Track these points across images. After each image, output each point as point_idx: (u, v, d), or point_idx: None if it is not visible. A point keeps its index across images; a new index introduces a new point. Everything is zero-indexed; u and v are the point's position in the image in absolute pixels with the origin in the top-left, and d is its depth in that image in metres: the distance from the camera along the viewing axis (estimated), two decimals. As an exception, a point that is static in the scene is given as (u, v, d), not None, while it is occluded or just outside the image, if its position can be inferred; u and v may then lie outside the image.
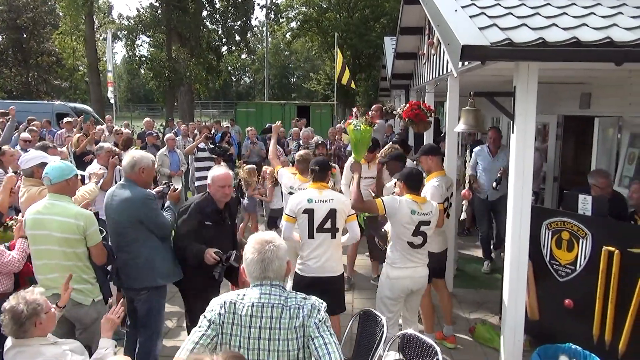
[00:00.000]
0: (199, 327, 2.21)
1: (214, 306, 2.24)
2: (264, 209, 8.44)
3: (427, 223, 4.03)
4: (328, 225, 4.06)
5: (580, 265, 4.08)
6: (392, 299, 4.09)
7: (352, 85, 18.09)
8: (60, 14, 28.01)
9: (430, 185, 4.69)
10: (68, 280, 3.13)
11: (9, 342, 2.65)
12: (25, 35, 35.79)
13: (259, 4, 31.33)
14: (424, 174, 4.75)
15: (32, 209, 3.53)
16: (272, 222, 7.91)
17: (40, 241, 3.42)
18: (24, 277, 3.80)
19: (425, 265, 4.18)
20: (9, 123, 8.46)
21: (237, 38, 30.81)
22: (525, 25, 3.35)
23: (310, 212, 4.06)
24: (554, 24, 3.35)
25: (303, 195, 4.20)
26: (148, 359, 3.93)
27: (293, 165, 5.55)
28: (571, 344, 3.63)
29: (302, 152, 5.47)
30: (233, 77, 56.14)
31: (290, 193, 4.88)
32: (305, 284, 4.12)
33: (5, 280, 3.66)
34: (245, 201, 8.18)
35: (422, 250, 4.12)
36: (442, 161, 5.30)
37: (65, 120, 10.98)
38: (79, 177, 3.72)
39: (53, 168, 3.54)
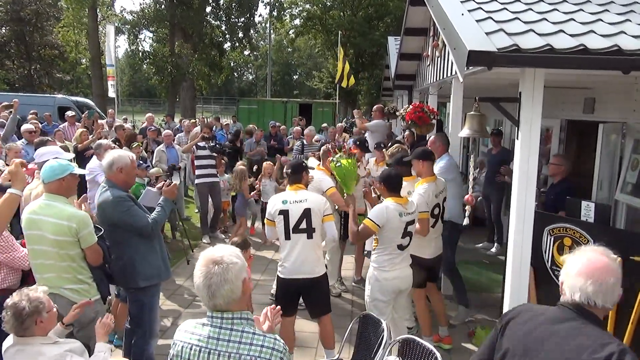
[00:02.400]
0: None
1: (172, 344, 2.08)
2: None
3: (412, 222, 4.20)
4: (304, 225, 4.09)
5: (581, 272, 4.06)
6: (384, 301, 4.13)
7: (352, 81, 17.90)
8: (64, 6, 27.92)
9: (417, 193, 4.69)
10: (83, 305, 3.12)
11: (9, 340, 2.65)
12: (28, 28, 35.69)
13: (262, 1, 31.25)
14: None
15: (28, 208, 3.51)
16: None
17: (35, 241, 3.40)
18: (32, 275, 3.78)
19: (408, 265, 4.30)
20: (11, 116, 8.45)
21: (240, 34, 30.78)
22: (533, 30, 3.32)
23: (285, 213, 4.12)
24: (561, 30, 3.33)
25: (279, 197, 4.28)
26: (142, 357, 3.94)
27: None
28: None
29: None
30: (235, 74, 56.05)
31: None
32: (285, 286, 4.23)
33: (13, 276, 3.65)
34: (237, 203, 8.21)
35: (407, 251, 4.26)
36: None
37: (69, 114, 10.96)
38: (77, 176, 3.65)
39: (45, 168, 3.50)
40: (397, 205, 4.08)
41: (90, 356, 2.91)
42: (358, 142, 6.44)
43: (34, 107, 12.34)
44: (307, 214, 4.09)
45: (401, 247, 4.14)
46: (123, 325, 4.35)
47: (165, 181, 4.32)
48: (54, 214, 3.36)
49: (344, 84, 17.55)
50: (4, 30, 36.03)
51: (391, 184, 4.20)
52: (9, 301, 2.60)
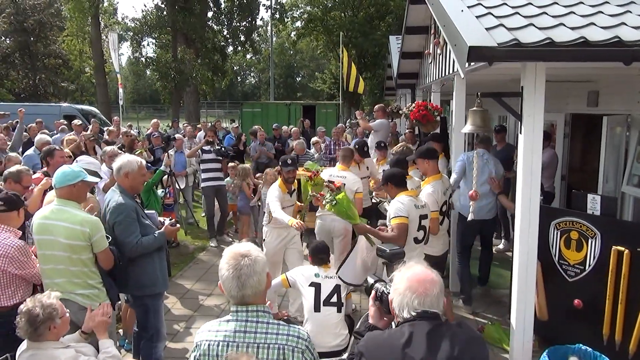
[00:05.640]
0: None
1: (194, 345, 2.10)
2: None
3: (426, 217, 4.26)
4: (334, 299, 4.11)
5: (589, 265, 4.06)
6: None
7: (360, 89, 18.09)
8: (67, 15, 28.11)
9: (425, 192, 4.75)
10: (101, 312, 3.12)
11: (23, 345, 2.69)
12: (32, 38, 35.97)
13: (264, 5, 31.35)
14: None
15: (40, 213, 3.53)
16: None
17: (47, 246, 3.42)
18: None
19: (422, 260, 4.25)
20: (18, 126, 8.53)
21: (243, 38, 30.86)
22: (533, 25, 3.32)
23: (317, 287, 4.13)
24: (561, 24, 3.33)
25: (310, 269, 4.28)
26: None
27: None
28: (581, 345, 3.61)
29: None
30: (238, 77, 56.20)
31: (330, 182, 4.88)
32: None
33: (25, 289, 3.61)
34: (239, 202, 8.21)
35: (422, 246, 4.34)
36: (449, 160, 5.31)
37: (76, 122, 11.05)
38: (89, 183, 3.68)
39: (57, 173, 3.54)
40: (410, 197, 4.21)
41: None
42: (357, 147, 6.48)
43: (40, 116, 12.42)
44: (337, 289, 4.13)
45: (417, 241, 4.22)
46: (132, 330, 4.39)
47: (171, 220, 4.29)
48: (67, 219, 3.39)
49: (359, 90, 17.78)
50: (8, 42, 36.31)
51: (396, 181, 4.32)
52: (22, 307, 2.64)
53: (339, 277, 4.20)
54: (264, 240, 5.49)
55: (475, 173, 5.26)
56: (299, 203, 5.62)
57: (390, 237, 4.09)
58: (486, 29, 3.28)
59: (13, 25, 34.56)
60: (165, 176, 7.99)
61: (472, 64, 4.03)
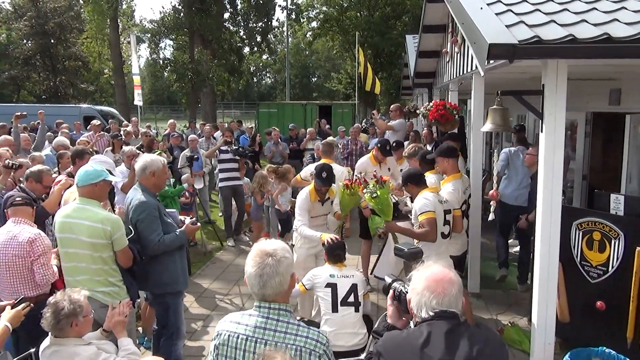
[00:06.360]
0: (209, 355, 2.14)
1: (215, 333, 2.15)
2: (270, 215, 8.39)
3: (449, 212, 4.34)
4: (351, 299, 4.01)
5: (612, 267, 3.98)
6: None
7: (377, 90, 18.12)
8: (87, 18, 28.56)
9: (446, 191, 4.75)
10: (117, 312, 3.14)
11: (46, 341, 2.74)
12: (52, 41, 36.63)
13: (280, 5, 31.43)
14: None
15: (62, 212, 3.60)
16: (283, 224, 7.88)
17: (69, 244, 3.49)
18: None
19: (449, 257, 4.38)
20: (40, 127, 8.69)
21: (259, 39, 30.99)
22: (554, 21, 3.27)
23: (333, 287, 4.03)
24: (583, 20, 3.27)
25: (325, 270, 4.16)
26: (169, 359, 3.99)
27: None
28: (604, 348, 3.53)
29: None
30: (255, 78, 56.44)
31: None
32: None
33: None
34: (252, 208, 8.19)
35: (448, 242, 4.39)
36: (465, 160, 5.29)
37: (95, 122, 11.20)
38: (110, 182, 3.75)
39: (80, 172, 3.61)
40: (434, 194, 4.29)
41: None
42: (379, 146, 6.43)
43: (61, 117, 12.64)
44: (354, 289, 4.04)
45: (443, 236, 4.29)
46: (152, 328, 4.43)
47: (193, 217, 4.31)
48: (88, 217, 3.45)
49: (376, 90, 17.80)
50: (29, 44, 37.03)
51: (416, 180, 4.38)
52: (51, 299, 2.71)
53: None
54: (294, 245, 5.12)
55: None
56: (338, 212, 5.26)
57: (422, 233, 4.12)
58: (506, 26, 3.24)
59: (34, 28, 35.25)
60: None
61: (491, 61, 3.99)
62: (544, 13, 3.43)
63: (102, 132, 10.08)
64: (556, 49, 3.06)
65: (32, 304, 3.07)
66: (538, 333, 3.68)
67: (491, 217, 5.24)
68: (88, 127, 10.77)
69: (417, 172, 4.47)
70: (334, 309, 4.01)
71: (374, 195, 4.36)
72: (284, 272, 2.02)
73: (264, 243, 2.10)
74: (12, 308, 2.94)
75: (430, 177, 5.02)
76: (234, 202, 8.55)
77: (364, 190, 4.50)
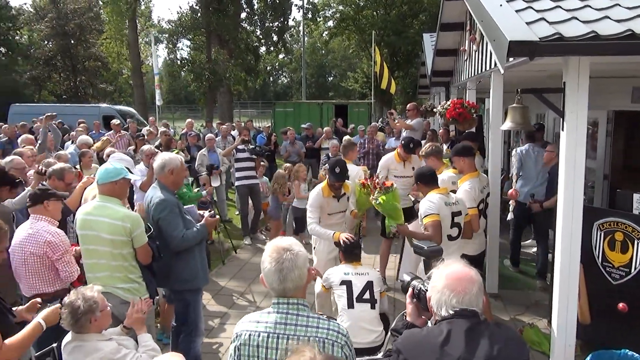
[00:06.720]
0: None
1: (234, 336, 2.13)
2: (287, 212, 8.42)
3: (459, 214, 4.28)
4: (367, 295, 3.99)
5: (635, 268, 3.90)
6: None
7: (392, 89, 18.12)
8: (106, 19, 28.97)
9: (463, 189, 4.73)
10: (135, 309, 3.12)
11: (68, 337, 2.78)
12: (72, 41, 37.25)
13: (296, 5, 31.51)
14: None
15: (83, 209, 3.67)
16: (299, 222, 7.89)
17: (90, 241, 3.54)
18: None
19: (459, 257, 4.23)
20: (42, 129, 8.79)
21: (275, 38, 31.10)
22: (576, 18, 3.21)
23: (348, 284, 4.01)
24: (606, 17, 3.20)
25: (339, 269, 4.14)
26: (188, 355, 4.02)
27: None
28: (627, 350, 3.47)
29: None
30: (271, 77, 56.60)
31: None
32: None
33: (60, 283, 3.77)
34: (270, 207, 8.22)
35: (457, 244, 4.33)
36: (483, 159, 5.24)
37: (115, 122, 11.36)
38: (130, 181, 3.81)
39: (100, 170, 3.67)
40: (441, 196, 4.23)
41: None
42: (403, 143, 6.38)
43: (81, 116, 12.85)
44: (369, 286, 4.02)
45: (451, 238, 4.24)
46: (170, 324, 4.47)
47: (211, 211, 4.34)
48: (109, 215, 3.50)
49: (392, 90, 17.81)
50: (50, 45, 37.70)
51: (426, 179, 4.36)
52: (66, 299, 2.74)
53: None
54: (314, 247, 5.13)
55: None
56: (354, 210, 5.23)
57: (425, 236, 4.09)
58: (527, 23, 3.19)
59: (55, 29, 35.90)
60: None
61: (511, 59, 3.93)
62: (565, 10, 3.37)
63: (122, 132, 10.21)
64: (578, 46, 3.00)
65: (62, 304, 3.08)
66: (558, 334, 3.63)
67: (510, 216, 5.18)
68: (110, 126, 10.90)
69: (427, 172, 4.44)
70: (350, 306, 4.00)
71: (378, 202, 4.37)
72: (302, 265, 2.06)
73: (277, 240, 2.13)
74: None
75: (445, 174, 5.02)
76: (250, 201, 8.60)
77: (371, 198, 4.49)
